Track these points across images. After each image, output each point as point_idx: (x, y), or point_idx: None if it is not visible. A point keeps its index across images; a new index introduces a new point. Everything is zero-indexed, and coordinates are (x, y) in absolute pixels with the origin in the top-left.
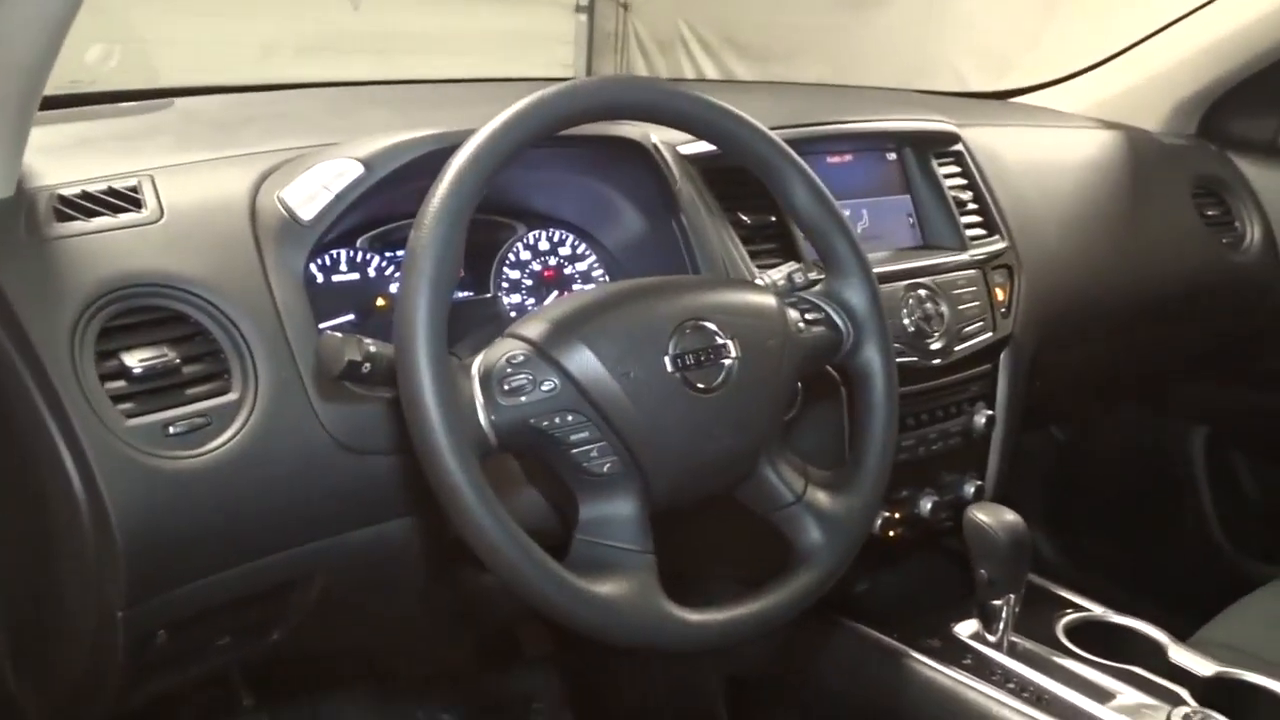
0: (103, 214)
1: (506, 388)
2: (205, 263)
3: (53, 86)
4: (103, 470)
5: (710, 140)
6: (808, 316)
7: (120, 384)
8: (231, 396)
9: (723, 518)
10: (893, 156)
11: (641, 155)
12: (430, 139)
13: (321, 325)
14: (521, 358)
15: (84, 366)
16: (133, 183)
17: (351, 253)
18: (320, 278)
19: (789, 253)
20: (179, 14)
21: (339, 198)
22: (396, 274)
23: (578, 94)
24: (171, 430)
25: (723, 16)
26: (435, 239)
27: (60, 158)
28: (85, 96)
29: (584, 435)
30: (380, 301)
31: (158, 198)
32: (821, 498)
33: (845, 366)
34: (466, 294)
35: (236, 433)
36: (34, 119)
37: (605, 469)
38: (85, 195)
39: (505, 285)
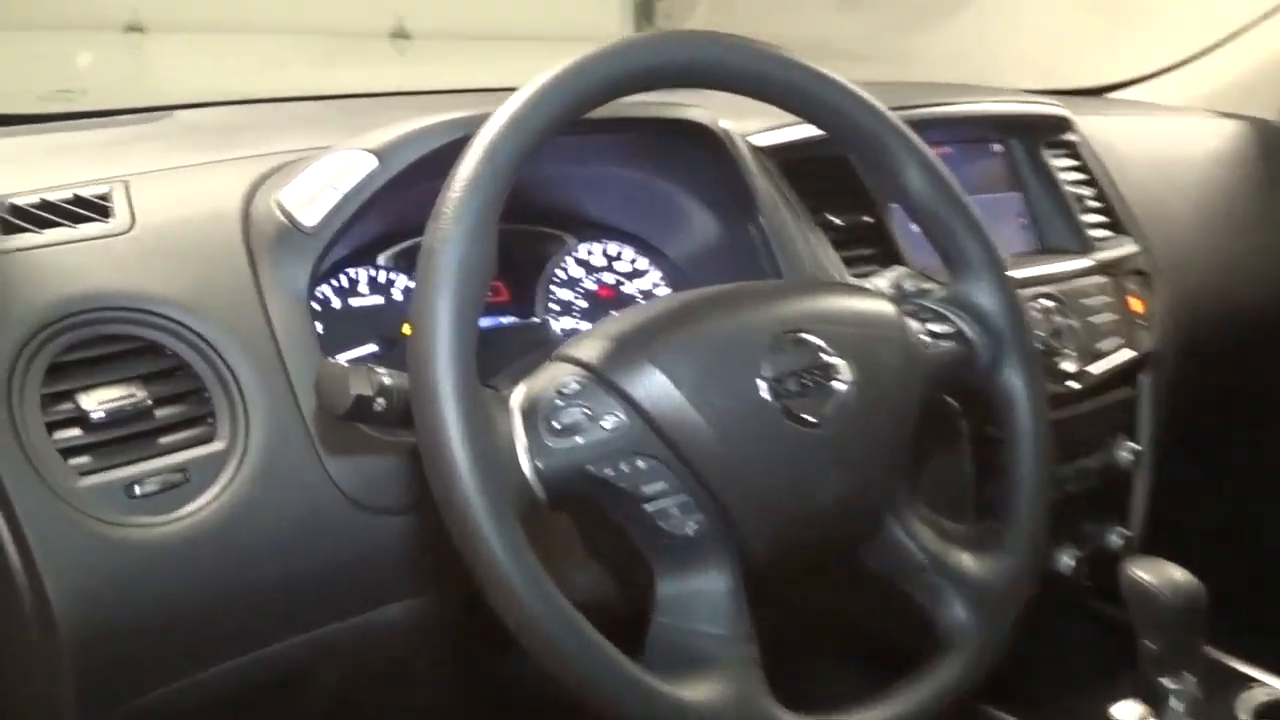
0: (61, 225)
1: (557, 425)
2: (185, 280)
3: (37, 94)
4: (43, 544)
5: (800, 111)
6: (932, 328)
7: (73, 433)
8: (216, 446)
9: (833, 584)
10: (998, 148)
11: (709, 144)
12: (455, 123)
13: (337, 357)
14: (575, 387)
15: (23, 412)
16: (103, 190)
17: (372, 271)
18: (336, 301)
19: (890, 259)
20: (195, 69)
21: (347, 198)
22: None
23: (633, 51)
24: (138, 490)
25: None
26: (459, 231)
27: (27, 166)
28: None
29: (659, 486)
30: (408, 329)
31: (130, 206)
32: (965, 561)
33: (978, 388)
34: (509, 319)
35: (221, 491)
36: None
37: (689, 530)
38: (44, 204)
39: (554, 308)
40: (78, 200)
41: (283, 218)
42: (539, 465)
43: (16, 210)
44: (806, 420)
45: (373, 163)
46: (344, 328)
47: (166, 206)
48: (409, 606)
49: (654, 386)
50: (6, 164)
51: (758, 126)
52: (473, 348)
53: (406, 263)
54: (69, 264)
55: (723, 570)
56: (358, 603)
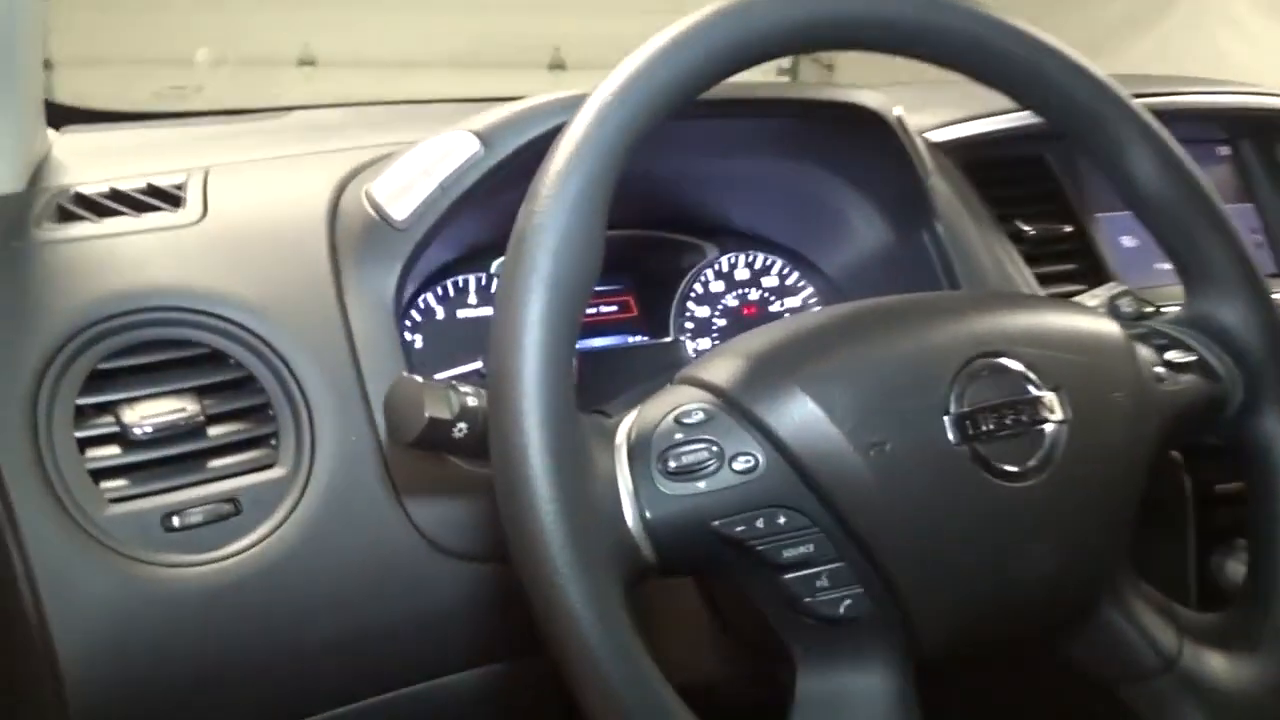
0: (124, 214)
1: (674, 465)
2: (256, 279)
3: (151, 90)
4: (53, 583)
5: (1005, 84)
6: (1169, 357)
7: (109, 451)
8: (276, 473)
9: (1020, 681)
10: (1225, 151)
11: (881, 136)
12: (568, 102)
13: (434, 377)
14: (700, 416)
15: (51, 426)
16: (179, 179)
17: (484, 278)
18: (440, 311)
19: (1095, 277)
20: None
21: (444, 186)
22: None
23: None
24: (177, 521)
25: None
26: (558, 210)
27: (112, 158)
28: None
29: (804, 550)
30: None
31: (204, 195)
32: (1210, 663)
33: (1225, 436)
34: (637, 338)
35: (278, 525)
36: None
37: (842, 609)
38: (113, 194)
39: (689, 327)
40: (151, 190)
41: (372, 211)
42: (648, 515)
43: (81, 199)
44: (1005, 471)
45: (474, 145)
46: (448, 342)
47: (245, 197)
48: (493, 673)
49: (803, 419)
50: (93, 157)
51: (937, 120)
52: (569, 358)
53: None
54: (124, 256)
55: (886, 664)
56: (433, 666)
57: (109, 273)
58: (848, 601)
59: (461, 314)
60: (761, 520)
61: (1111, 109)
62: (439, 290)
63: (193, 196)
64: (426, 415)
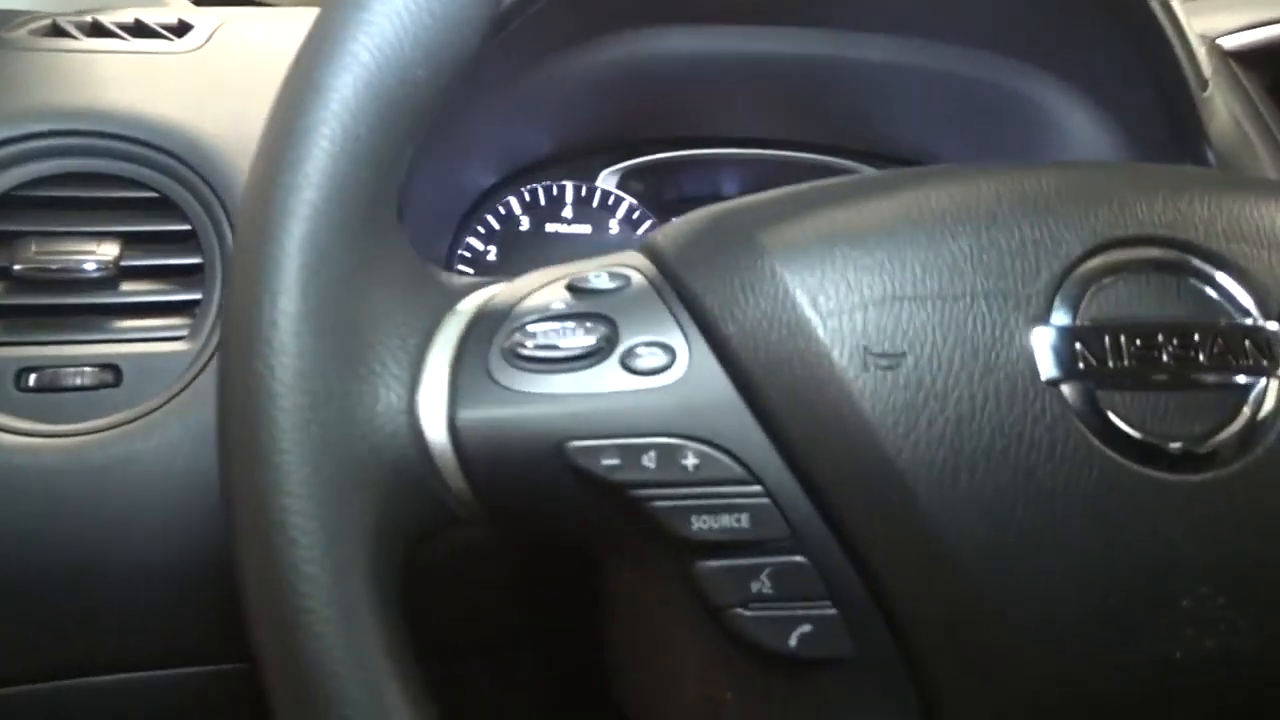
0: (118, 36)
1: (529, 346)
2: (240, 126)
3: None
4: None
5: None
6: None
7: None
8: (181, 347)
9: None
10: None
11: (1136, 20)
12: None
13: None
14: (606, 281)
15: None
16: (214, 25)
17: (583, 189)
18: (525, 221)
19: None
20: None
21: None
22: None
23: None
24: (32, 380)
25: None
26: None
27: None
28: None
29: (731, 524)
30: None
31: (216, 32)
32: None
33: None
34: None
35: (155, 408)
36: None
37: (794, 639)
38: (136, 24)
39: None
40: (181, 25)
41: None
42: (460, 420)
43: (94, 26)
44: (1154, 448)
45: None
46: (528, 260)
47: (258, 35)
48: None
49: (762, 301)
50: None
51: (1234, 22)
52: (373, 161)
53: (643, 186)
54: (93, 73)
55: None
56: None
57: (55, 87)
58: (804, 628)
59: (551, 228)
60: (653, 457)
61: None
62: (526, 195)
63: (201, 32)
64: None
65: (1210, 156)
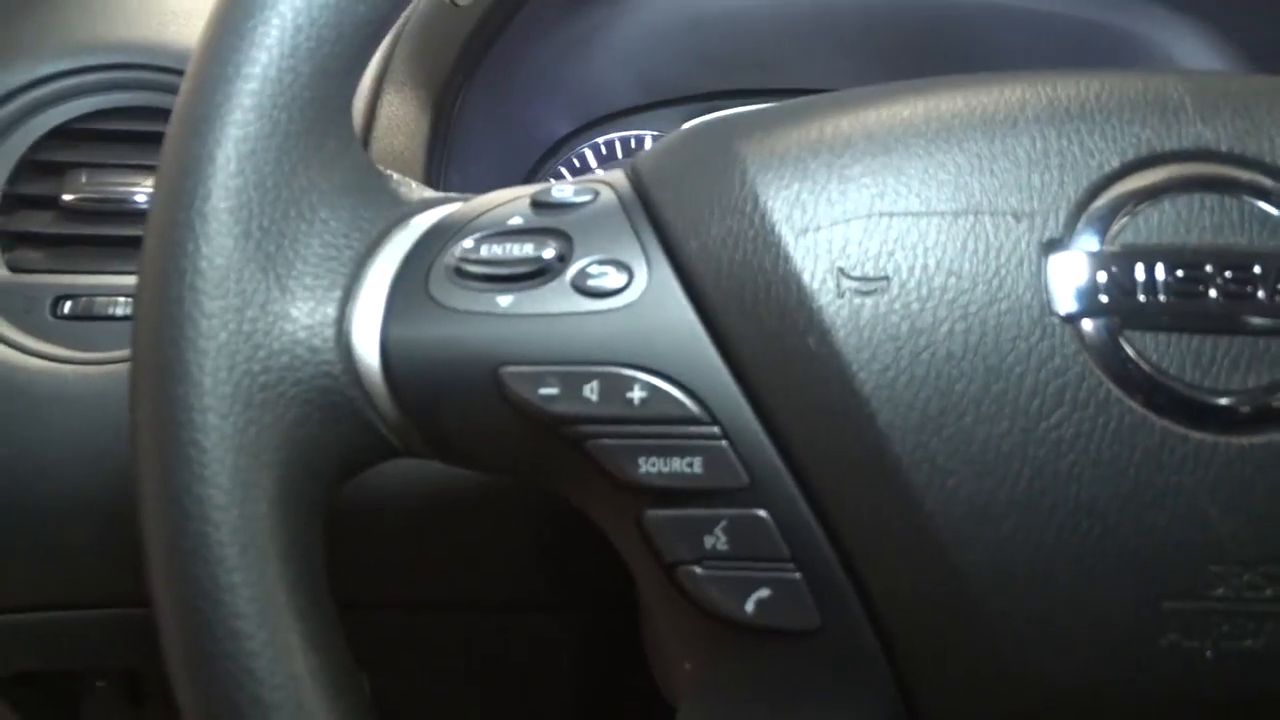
0: None
1: (472, 261)
2: None
3: None
4: None
5: None
6: None
7: (39, 216)
8: None
9: None
10: None
11: None
12: None
13: None
14: (570, 195)
15: None
16: None
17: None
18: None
19: None
20: None
21: None
22: None
23: None
24: (68, 308)
25: None
26: None
27: None
28: None
29: (682, 467)
30: None
31: None
32: None
33: None
34: None
35: None
36: None
37: (751, 604)
38: None
39: None
40: None
41: None
42: (390, 338)
43: None
44: (1188, 399)
45: None
46: None
47: None
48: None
49: (729, 217)
50: None
51: None
52: (331, 82)
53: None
54: (143, 7)
55: None
56: None
57: (122, 20)
58: (762, 592)
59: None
60: (595, 388)
61: None
62: (602, 146)
63: None
64: None
65: None
